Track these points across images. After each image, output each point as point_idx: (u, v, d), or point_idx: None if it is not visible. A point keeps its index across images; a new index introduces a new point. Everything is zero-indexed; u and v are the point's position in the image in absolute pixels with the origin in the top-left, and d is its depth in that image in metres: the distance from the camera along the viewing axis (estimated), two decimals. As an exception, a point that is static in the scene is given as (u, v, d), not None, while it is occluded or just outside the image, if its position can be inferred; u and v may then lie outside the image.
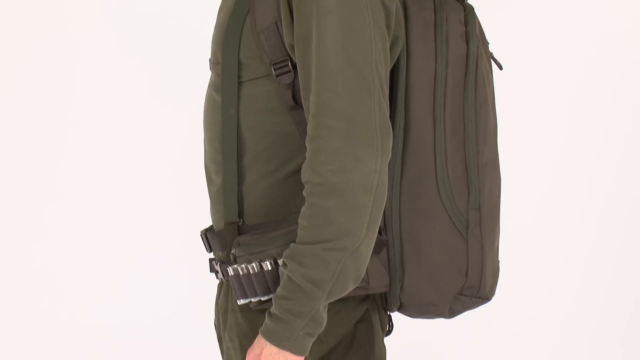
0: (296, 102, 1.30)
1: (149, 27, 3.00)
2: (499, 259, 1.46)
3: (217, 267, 1.43)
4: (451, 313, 1.41)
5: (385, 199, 1.23)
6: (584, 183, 3.11)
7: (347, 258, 1.21)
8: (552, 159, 3.09)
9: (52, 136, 3.04)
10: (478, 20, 1.42)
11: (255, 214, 1.38)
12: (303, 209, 1.23)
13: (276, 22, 1.29)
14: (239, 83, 1.35)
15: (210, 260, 1.47)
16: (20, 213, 3.06)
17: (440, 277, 1.36)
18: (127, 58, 3.04)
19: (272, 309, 1.24)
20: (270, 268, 1.28)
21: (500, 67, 1.50)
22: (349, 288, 1.24)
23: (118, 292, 3.09)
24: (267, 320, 1.25)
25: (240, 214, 1.39)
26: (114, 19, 3.02)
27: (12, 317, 3.08)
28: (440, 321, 1.50)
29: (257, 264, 1.29)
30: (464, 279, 1.37)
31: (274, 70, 1.30)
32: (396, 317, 1.49)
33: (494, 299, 1.44)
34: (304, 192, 1.23)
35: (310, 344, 1.26)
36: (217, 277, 1.46)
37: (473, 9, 1.41)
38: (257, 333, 1.27)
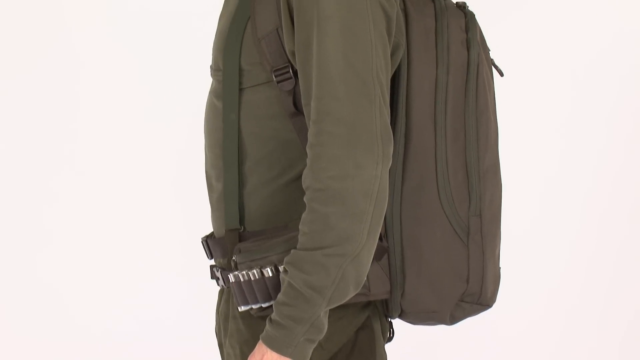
0: (297, 109, 1.30)
1: (150, 34, 3.01)
2: (500, 266, 1.46)
3: (218, 274, 1.43)
4: (452, 320, 1.41)
5: (386, 205, 1.23)
6: (585, 189, 3.11)
7: (348, 264, 1.21)
8: (552, 165, 3.09)
9: (54, 142, 3.04)
10: (479, 27, 1.42)
11: (256, 220, 1.38)
12: (304, 215, 1.23)
13: (277, 29, 1.29)
14: (240, 89, 1.35)
15: (211, 267, 1.47)
16: (24, 221, 3.06)
17: (441, 284, 1.36)
18: (129, 65, 3.04)
19: (273, 315, 1.24)
20: (271, 275, 1.28)
21: (501, 74, 1.50)
22: (349, 294, 1.24)
23: (117, 298, 3.08)
24: (267, 326, 1.25)
25: (241, 221, 1.38)
26: (116, 26, 3.03)
27: (15, 324, 3.08)
28: (441, 328, 1.50)
29: (258, 270, 1.29)
30: (465, 286, 1.37)
31: (275, 76, 1.30)
32: (397, 323, 1.49)
33: (495, 305, 1.44)
34: (304, 198, 1.23)
35: (311, 350, 1.26)
36: (218, 284, 1.46)
37: (474, 15, 1.41)
38: (258, 340, 1.27)
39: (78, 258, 3.06)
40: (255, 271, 1.29)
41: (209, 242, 1.46)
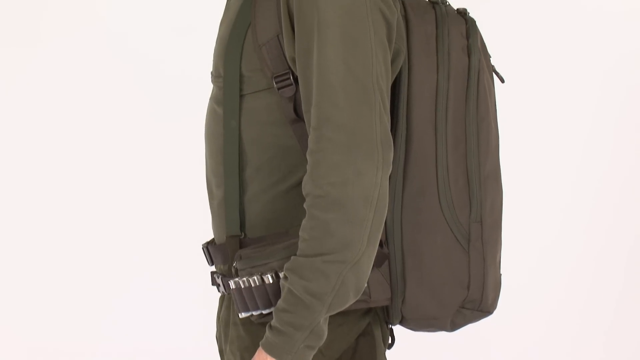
0: (297, 115, 1.30)
1: (151, 42, 3.01)
2: (501, 272, 1.46)
3: (219, 280, 1.43)
4: (453, 326, 1.40)
5: (386, 211, 1.23)
6: (588, 196, 3.11)
7: (348, 271, 1.21)
8: (554, 171, 3.09)
9: (56, 149, 3.05)
10: (480, 33, 1.42)
11: (257, 227, 1.37)
12: (304, 221, 1.22)
13: (277, 35, 1.29)
14: (241, 96, 1.35)
15: (212, 273, 1.47)
16: (28, 232, 3.07)
17: (442, 290, 1.36)
18: (130, 71, 3.05)
19: (273, 322, 1.24)
20: (271, 281, 1.27)
21: (502, 80, 1.50)
22: (349, 301, 1.23)
23: (117, 305, 3.09)
24: (267, 333, 1.25)
25: (242, 227, 1.38)
26: (118, 32, 3.04)
27: (15, 324, 3.08)
28: (442, 334, 1.50)
29: (259, 277, 1.28)
30: (465, 292, 1.37)
31: (276, 83, 1.30)
32: (398, 330, 1.48)
33: (495, 312, 1.44)
34: (304, 205, 1.23)
35: (311, 357, 1.25)
36: (219, 291, 1.46)
37: (475, 22, 1.42)
38: (259, 346, 1.27)
39: (79, 263, 3.07)
40: (255, 277, 1.28)
41: (209, 249, 1.46)
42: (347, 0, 1.23)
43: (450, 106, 1.35)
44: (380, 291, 1.33)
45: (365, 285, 1.25)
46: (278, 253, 1.28)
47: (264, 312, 1.30)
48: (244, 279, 1.30)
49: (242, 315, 1.33)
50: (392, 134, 1.31)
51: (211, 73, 1.43)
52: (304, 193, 1.23)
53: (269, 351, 1.24)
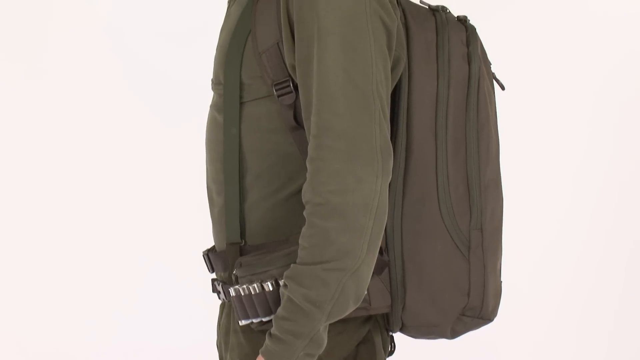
0: (297, 123, 1.30)
1: (152, 49, 3.02)
2: (502, 280, 1.46)
3: (219, 288, 1.43)
4: (453, 334, 1.40)
5: (386, 219, 1.23)
6: (589, 203, 3.11)
7: (348, 279, 1.20)
8: (554, 179, 3.09)
9: (59, 153, 3.05)
10: (480, 40, 1.42)
11: (257, 234, 1.37)
12: (303, 229, 1.22)
13: (277, 43, 1.29)
14: (241, 103, 1.35)
15: (213, 280, 1.47)
16: (29, 235, 3.07)
17: (442, 298, 1.36)
18: (131, 80, 3.05)
19: (273, 330, 1.24)
20: (271, 289, 1.27)
21: (503, 88, 1.50)
22: (349, 309, 1.23)
23: (117, 312, 3.08)
24: (267, 340, 1.24)
25: (242, 235, 1.38)
26: (121, 41, 3.04)
27: (15, 324, 3.08)
28: (442, 342, 1.49)
29: (259, 284, 1.28)
30: (466, 300, 1.36)
31: (276, 90, 1.30)
32: (398, 337, 1.48)
33: (496, 319, 1.44)
34: (304, 213, 1.22)
35: (311, 365, 1.25)
36: (220, 298, 1.46)
37: (475, 29, 1.42)
38: (259, 354, 1.27)
39: (81, 268, 3.07)
40: (255, 285, 1.28)
41: (210, 256, 1.46)
42: (347, 8, 1.23)
43: (451, 113, 1.35)
44: (380, 298, 1.33)
45: (365, 292, 1.25)
46: (278, 261, 1.28)
47: (264, 319, 1.30)
48: (244, 286, 1.30)
49: (242, 322, 1.33)
50: (392, 142, 1.31)
51: (211, 80, 1.43)
52: (303, 201, 1.23)
53: (269, 359, 1.24)
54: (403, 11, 1.38)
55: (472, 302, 1.37)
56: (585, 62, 3.05)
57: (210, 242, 1.53)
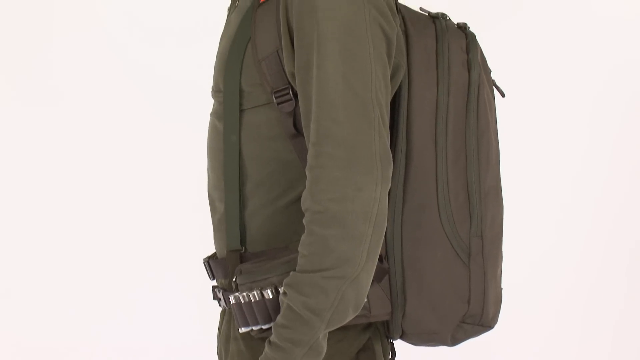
0: (297, 130, 1.30)
1: (153, 58, 3.02)
2: (502, 287, 1.46)
3: (220, 295, 1.43)
4: (453, 341, 1.40)
5: (385, 227, 1.23)
6: (589, 209, 3.11)
7: (347, 286, 1.20)
8: (555, 186, 3.09)
9: (59, 159, 3.06)
10: (480, 47, 1.42)
11: (257, 241, 1.37)
12: (303, 237, 1.22)
13: (277, 50, 1.29)
14: (241, 111, 1.35)
15: (213, 287, 1.47)
16: (29, 236, 3.07)
17: (442, 305, 1.35)
18: (133, 85, 3.05)
19: (272, 338, 1.24)
20: (271, 296, 1.27)
21: (503, 95, 1.50)
22: (348, 317, 1.23)
23: (118, 320, 3.08)
24: (266, 348, 1.24)
25: (243, 242, 1.38)
26: (118, 46, 3.04)
27: (15, 324, 3.08)
28: (442, 349, 1.49)
29: (259, 292, 1.28)
30: (466, 307, 1.36)
31: (275, 98, 1.30)
32: (399, 344, 1.48)
33: (496, 327, 1.44)
34: (303, 221, 1.22)
35: (311, 373, 1.25)
36: (220, 305, 1.46)
37: (475, 36, 1.42)
38: (259, 361, 1.27)
39: (82, 284, 3.07)
40: (255, 292, 1.28)
41: (210, 263, 1.46)
42: (346, 15, 1.23)
43: (450, 121, 1.35)
44: (380, 306, 1.33)
45: (365, 300, 1.25)
46: (278, 268, 1.28)
47: (264, 327, 1.30)
48: (244, 293, 1.30)
49: (242, 330, 1.33)
50: (392, 149, 1.31)
51: (211, 88, 1.43)
52: (303, 209, 1.23)
53: (268, 367, 1.24)
54: (403, 18, 1.38)
55: (472, 310, 1.37)
56: (584, 69, 3.06)
57: (211, 249, 1.53)
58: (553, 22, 3.04)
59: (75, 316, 3.08)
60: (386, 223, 1.23)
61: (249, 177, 1.36)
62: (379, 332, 1.43)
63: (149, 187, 3.06)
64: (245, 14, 1.36)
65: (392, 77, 1.31)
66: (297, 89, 1.27)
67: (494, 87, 1.47)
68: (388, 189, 1.23)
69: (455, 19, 1.45)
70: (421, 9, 1.44)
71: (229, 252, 1.39)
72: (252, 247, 1.37)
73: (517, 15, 3.04)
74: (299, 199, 1.31)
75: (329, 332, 1.25)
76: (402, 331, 1.38)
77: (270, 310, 1.28)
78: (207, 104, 1.50)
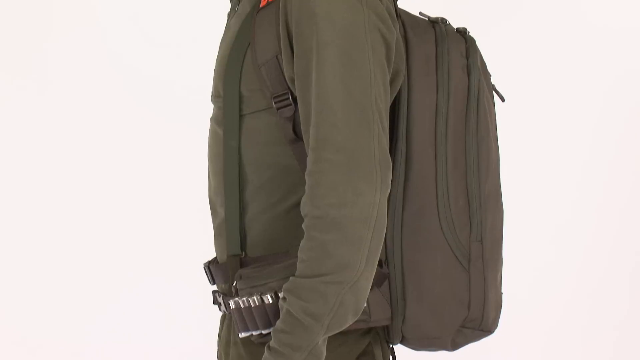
0: (297, 135, 1.30)
1: (152, 64, 3.03)
2: (502, 291, 1.46)
3: (220, 300, 1.43)
4: (454, 346, 1.40)
5: (385, 232, 1.23)
6: (590, 216, 3.10)
7: (346, 291, 1.20)
8: (555, 191, 3.09)
9: (58, 161, 3.06)
10: (480, 52, 1.42)
11: (257, 246, 1.37)
12: (302, 242, 1.22)
13: (277, 56, 1.29)
14: (241, 116, 1.35)
15: (214, 292, 1.47)
16: (29, 236, 3.08)
17: (443, 310, 1.35)
18: (133, 95, 3.06)
19: (271, 343, 1.23)
20: (271, 301, 1.27)
21: (503, 99, 1.50)
22: (348, 322, 1.23)
23: (119, 324, 3.08)
24: (266, 353, 1.24)
25: (243, 247, 1.38)
26: (119, 54, 3.05)
27: (15, 324, 3.08)
28: (443, 354, 1.49)
29: (259, 297, 1.28)
30: (466, 312, 1.36)
31: (275, 103, 1.30)
32: (399, 349, 1.48)
33: (497, 331, 1.44)
34: (303, 226, 1.22)
35: (310, 378, 1.25)
36: (220, 310, 1.46)
37: (474, 41, 1.42)
38: (259, 366, 1.27)
39: (79, 290, 3.07)
40: (255, 297, 1.28)
41: (211, 268, 1.46)
42: (345, 21, 1.23)
43: (450, 126, 1.35)
44: (380, 311, 1.33)
45: (364, 305, 1.25)
46: (278, 273, 1.28)
47: (264, 332, 1.30)
48: (244, 298, 1.30)
49: (242, 335, 1.33)
50: (391, 154, 1.31)
51: (211, 93, 1.43)
52: (302, 213, 1.23)
53: (268, 372, 1.24)
54: (402, 23, 1.38)
55: (472, 314, 1.37)
56: (584, 74, 3.05)
57: (212, 254, 1.53)
58: (553, 27, 3.04)
59: (76, 316, 3.08)
60: (385, 228, 1.23)
61: (249, 182, 1.36)
62: (379, 336, 1.43)
63: (150, 192, 3.06)
64: (244, 19, 1.36)
65: (392, 82, 1.31)
66: (297, 94, 1.27)
67: (493, 92, 1.47)
68: (387, 194, 1.23)
69: (455, 24, 1.45)
70: (421, 13, 1.44)
71: (229, 257, 1.39)
72: (252, 252, 1.38)
73: (517, 19, 3.04)
74: (299, 204, 1.31)
75: (329, 337, 1.26)
76: (402, 336, 1.38)
77: (270, 315, 1.28)
78: (207, 109, 1.51)
